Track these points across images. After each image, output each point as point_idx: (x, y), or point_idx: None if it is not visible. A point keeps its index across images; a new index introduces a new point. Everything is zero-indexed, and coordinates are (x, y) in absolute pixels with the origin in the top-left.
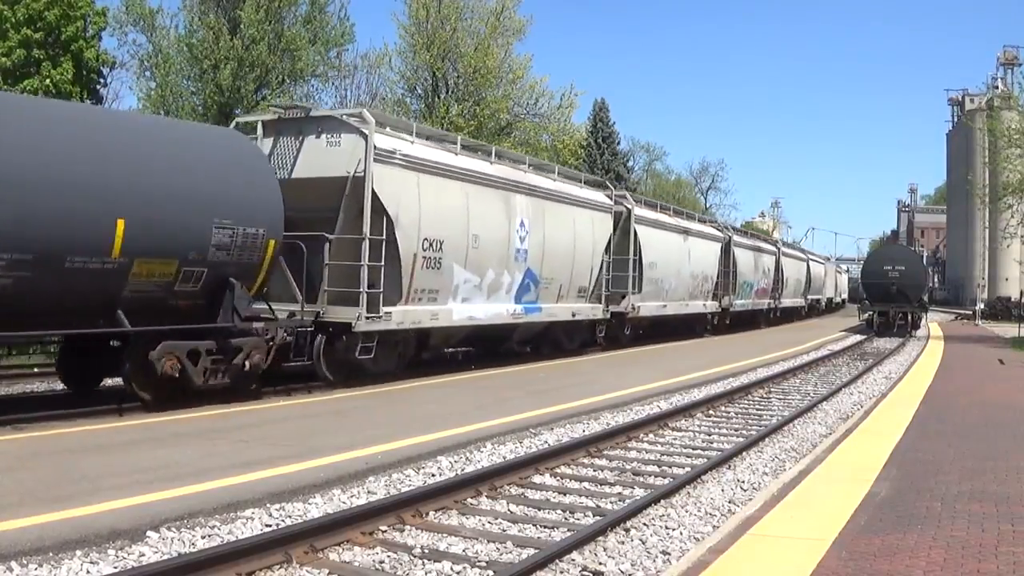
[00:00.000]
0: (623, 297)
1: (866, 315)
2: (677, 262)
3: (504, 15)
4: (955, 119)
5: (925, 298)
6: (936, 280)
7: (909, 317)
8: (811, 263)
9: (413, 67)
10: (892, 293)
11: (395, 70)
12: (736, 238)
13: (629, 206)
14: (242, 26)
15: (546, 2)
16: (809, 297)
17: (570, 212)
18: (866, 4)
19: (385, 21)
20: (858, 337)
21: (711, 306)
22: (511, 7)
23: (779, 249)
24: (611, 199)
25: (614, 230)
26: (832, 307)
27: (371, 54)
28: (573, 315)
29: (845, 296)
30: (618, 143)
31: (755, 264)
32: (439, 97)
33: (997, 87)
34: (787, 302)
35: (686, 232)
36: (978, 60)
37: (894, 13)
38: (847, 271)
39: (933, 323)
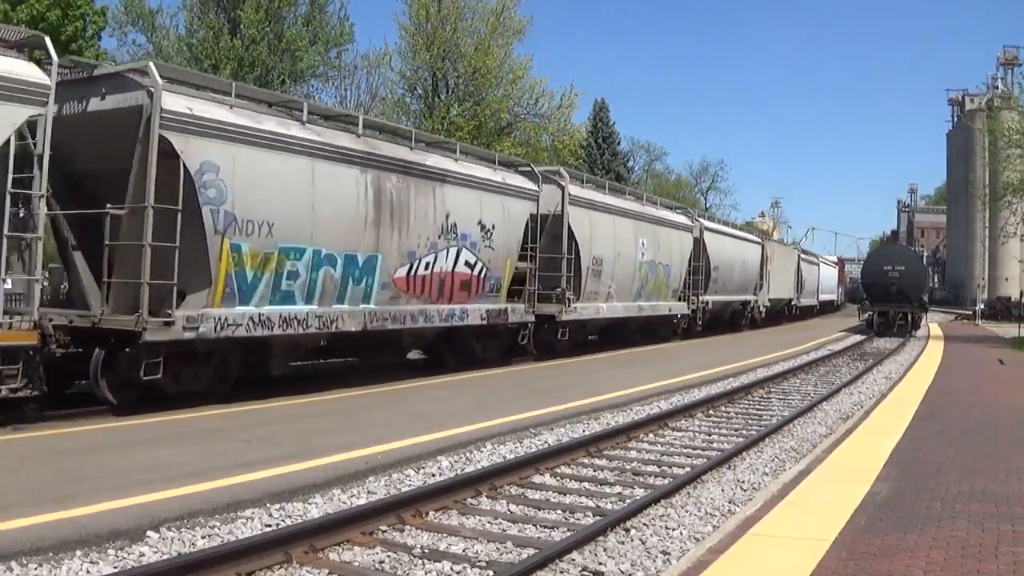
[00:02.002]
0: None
1: (866, 315)
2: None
3: (504, 15)
4: (955, 119)
5: (925, 298)
6: (936, 280)
7: (909, 317)
8: (709, 235)
9: (413, 67)
10: (892, 293)
11: (395, 70)
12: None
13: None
14: (242, 26)
15: (546, 2)
16: (707, 299)
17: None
18: (866, 4)
19: (385, 21)
20: (858, 337)
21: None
22: (511, 7)
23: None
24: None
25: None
26: (792, 313)
27: (371, 54)
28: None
29: (835, 297)
30: (618, 143)
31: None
32: (439, 97)
33: (997, 87)
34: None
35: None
36: (978, 60)
37: (894, 13)
38: (835, 263)
39: (933, 323)
